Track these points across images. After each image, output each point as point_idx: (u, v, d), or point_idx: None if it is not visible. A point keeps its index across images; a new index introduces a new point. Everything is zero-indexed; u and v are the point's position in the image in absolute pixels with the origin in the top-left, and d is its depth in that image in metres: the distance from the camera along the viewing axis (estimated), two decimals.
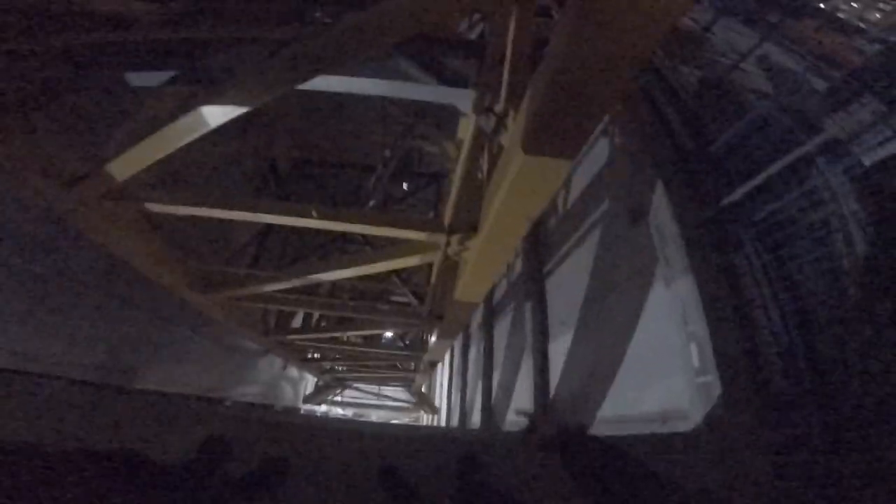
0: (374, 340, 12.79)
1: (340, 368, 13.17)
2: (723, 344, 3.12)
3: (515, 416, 7.30)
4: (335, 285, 8.39)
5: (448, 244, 3.54)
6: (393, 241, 4.05)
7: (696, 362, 3.23)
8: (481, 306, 10.80)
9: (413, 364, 12.07)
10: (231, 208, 3.47)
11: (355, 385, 18.90)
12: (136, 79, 3.07)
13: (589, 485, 2.13)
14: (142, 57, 3.02)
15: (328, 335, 9.06)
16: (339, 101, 6.45)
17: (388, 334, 12.97)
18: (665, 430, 3.64)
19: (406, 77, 3.26)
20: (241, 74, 2.66)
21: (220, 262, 6.30)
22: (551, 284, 7.22)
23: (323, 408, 20.58)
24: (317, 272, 4.68)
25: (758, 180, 3.25)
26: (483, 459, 2.89)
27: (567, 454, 2.46)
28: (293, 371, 14.47)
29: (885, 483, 2.40)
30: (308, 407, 17.32)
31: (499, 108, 2.75)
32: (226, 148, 6.65)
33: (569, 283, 6.39)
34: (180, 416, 3.15)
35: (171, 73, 3.04)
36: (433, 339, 7.22)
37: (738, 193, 3.39)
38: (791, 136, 3.23)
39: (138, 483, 1.86)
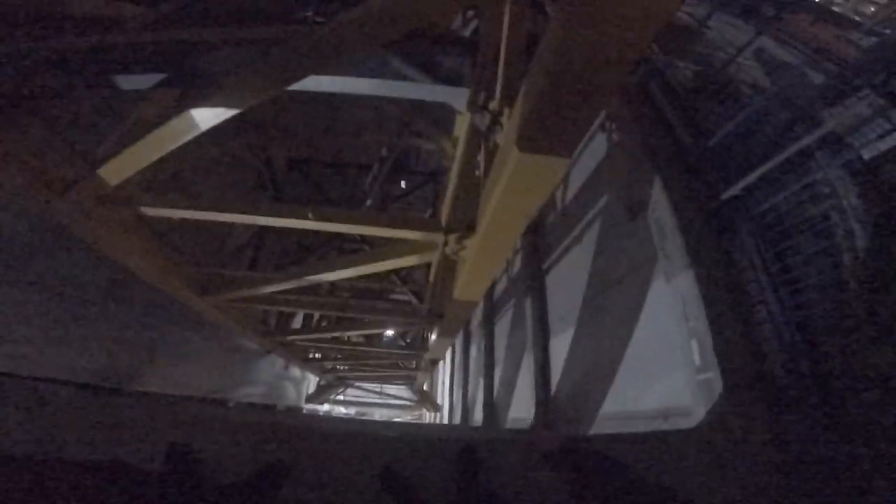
0: (376, 339, 12.78)
1: (342, 368, 13.15)
2: (724, 340, 3.10)
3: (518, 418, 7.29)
4: (334, 285, 8.36)
5: (446, 243, 3.52)
6: (391, 241, 4.03)
7: (697, 359, 3.21)
8: (482, 303, 10.78)
9: (414, 362, 12.05)
10: (226, 211, 3.45)
11: (357, 384, 18.90)
12: (126, 82, 3.03)
13: (589, 499, 2.12)
14: (131, 60, 2.98)
15: (329, 335, 9.04)
16: (335, 100, 6.41)
17: (389, 333, 12.95)
18: (667, 427, 3.62)
19: (400, 76, 3.22)
20: (232, 76, 2.63)
21: (218, 264, 6.28)
22: (551, 281, 7.20)
23: (326, 407, 20.60)
24: (315, 273, 4.66)
25: (757, 174, 3.22)
26: (483, 459, 2.86)
27: (568, 468, 2.45)
28: (295, 371, 14.43)
29: (887, 478, 2.38)
30: (311, 406, 17.30)
31: (493, 105, 2.71)
32: (222, 149, 6.61)
33: (569, 279, 6.37)
34: (175, 419, 3.11)
35: (161, 76, 3.00)
36: (433, 337, 7.20)
37: (738, 188, 3.37)
38: (790, 130, 3.21)
39: (126, 493, 1.85)
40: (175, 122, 2.73)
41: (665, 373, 3.78)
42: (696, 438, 3.04)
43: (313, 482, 2.75)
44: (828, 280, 2.85)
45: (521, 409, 7.26)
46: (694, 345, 3.25)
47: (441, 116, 5.76)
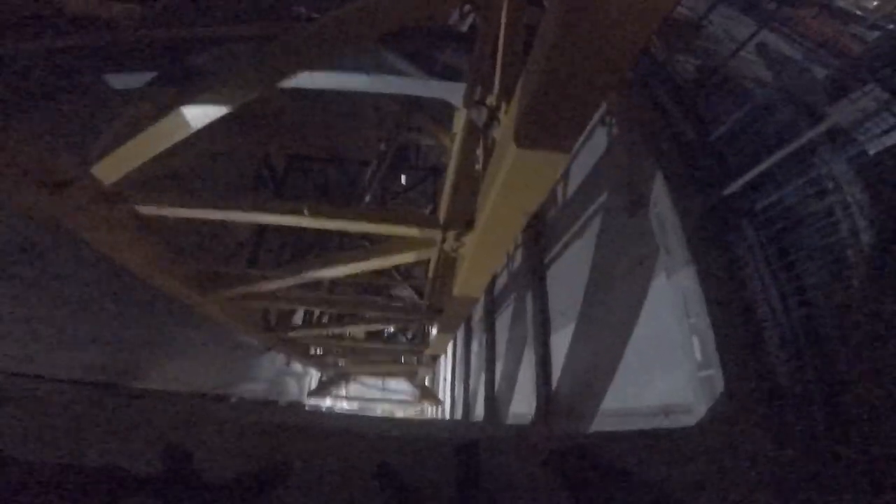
0: (377, 335, 12.76)
1: (343, 363, 13.15)
2: (725, 337, 3.07)
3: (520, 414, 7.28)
4: (335, 281, 8.34)
5: (444, 240, 3.49)
6: (390, 237, 4.01)
7: (698, 356, 3.18)
8: (483, 298, 10.77)
9: (415, 358, 12.06)
10: (223, 209, 3.43)
11: (359, 379, 18.90)
12: (119, 81, 3.01)
13: (587, 501, 2.10)
14: (123, 59, 2.96)
15: (330, 331, 9.03)
16: (332, 96, 6.37)
17: (391, 329, 12.93)
18: (668, 424, 3.61)
19: (396, 71, 3.19)
20: (224, 73, 2.60)
21: (218, 262, 6.27)
22: (552, 276, 7.18)
23: (328, 402, 20.61)
24: (314, 270, 4.64)
25: (759, 169, 3.18)
26: (482, 457, 2.85)
27: (567, 469, 2.44)
28: (297, 366, 14.46)
29: (887, 477, 2.35)
30: (313, 402, 17.32)
31: (491, 101, 2.68)
32: (221, 146, 6.59)
33: (570, 274, 6.35)
34: (172, 419, 3.10)
35: (153, 75, 2.98)
36: (434, 332, 7.19)
37: (740, 183, 3.33)
38: (793, 125, 3.17)
39: (121, 497, 1.83)
40: (168, 121, 2.71)
41: (666, 369, 3.75)
42: (695, 436, 3.02)
43: (311, 481, 2.73)
44: (831, 277, 2.81)
45: (522, 404, 7.25)
46: (695, 341, 3.22)
47: (440, 112, 5.72)
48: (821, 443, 2.62)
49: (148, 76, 3.01)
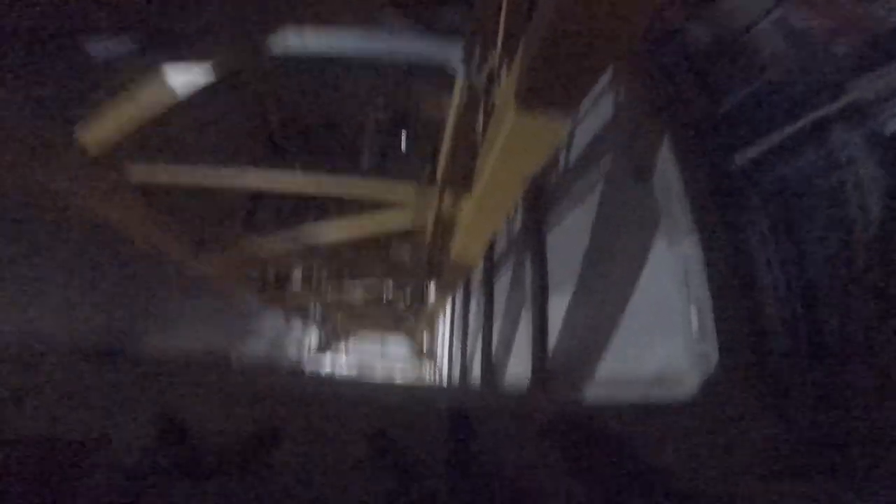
0: (376, 294, 12.81)
1: (342, 322, 13.23)
2: (724, 309, 3.03)
3: (516, 377, 7.31)
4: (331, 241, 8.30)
5: (441, 204, 3.45)
6: (387, 200, 3.95)
7: (695, 327, 3.15)
8: (482, 258, 10.74)
9: (413, 318, 12.12)
10: (214, 174, 3.38)
11: (358, 338, 19.09)
12: (101, 48, 2.93)
13: (586, 473, 2.10)
14: (106, 24, 2.87)
15: (328, 290, 9.04)
16: (329, 59, 6.23)
17: (389, 288, 12.97)
18: (661, 394, 3.60)
19: (393, 31, 3.08)
20: (210, 39, 2.52)
21: (214, 223, 6.22)
22: (552, 240, 7.11)
23: (328, 361, 20.86)
24: (310, 232, 4.60)
25: (772, 141, 3.11)
26: (476, 425, 2.84)
27: (563, 442, 2.43)
28: (297, 326, 14.55)
29: (881, 461, 2.35)
30: (313, 361, 17.50)
31: (492, 63, 2.59)
32: (217, 111, 6.48)
33: (570, 238, 6.29)
34: (166, 387, 3.09)
35: (137, 41, 2.89)
36: (432, 293, 7.20)
37: (751, 154, 3.25)
38: (808, 101, 3.08)
39: (115, 468, 1.83)
40: (153, 88, 2.65)
41: (662, 339, 3.73)
42: (687, 410, 3.02)
43: (303, 449, 2.73)
44: (837, 252, 2.77)
45: (519, 368, 7.28)
46: (693, 312, 3.19)
47: (440, 73, 5.60)
48: (812, 424, 2.61)
49: (131, 43, 2.92)
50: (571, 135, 6.53)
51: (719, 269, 3.16)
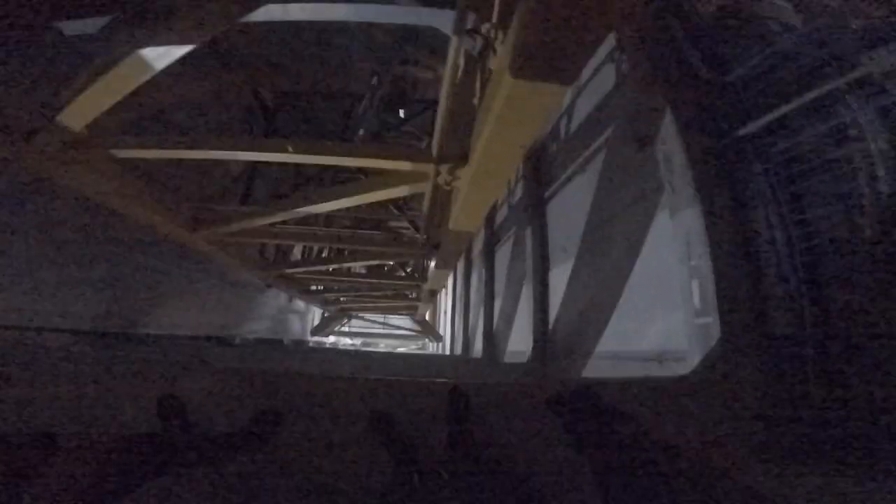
0: (377, 270, 12.78)
1: (344, 299, 13.21)
2: (726, 283, 2.97)
3: (518, 350, 7.30)
4: (331, 216, 8.24)
5: (437, 174, 3.37)
6: (383, 171, 3.88)
7: (697, 302, 3.09)
8: (482, 232, 10.72)
9: (414, 293, 12.10)
10: (202, 148, 3.31)
11: (361, 315, 19.10)
12: (73, 27, 2.86)
13: (590, 447, 2.06)
14: (77, 3, 2.79)
15: (328, 267, 9.00)
16: (322, 28, 6.09)
17: (390, 264, 12.94)
18: (661, 371, 3.57)
19: None
20: (182, 9, 2.43)
21: (211, 198, 6.16)
22: (553, 210, 7.05)
23: (331, 338, 20.94)
24: (306, 204, 4.53)
25: (781, 112, 3.02)
26: (475, 402, 2.81)
27: (569, 415, 2.40)
28: (299, 304, 14.56)
29: (879, 436, 2.31)
30: (316, 339, 17.56)
31: (486, 28, 2.49)
32: (208, 84, 6.38)
33: (571, 209, 6.22)
34: (167, 370, 3.08)
35: (109, 18, 2.81)
36: (432, 267, 7.15)
37: (759, 124, 3.16)
38: (819, 72, 2.99)
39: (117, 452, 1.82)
40: (128, 63, 2.57)
41: (663, 314, 3.69)
42: (687, 387, 2.98)
43: (303, 429, 2.72)
44: (843, 226, 2.70)
45: (520, 342, 7.28)
46: (695, 286, 3.12)
47: (436, 41, 5.47)
48: (811, 404, 2.57)
49: (103, 20, 2.84)
50: (573, 104, 6.42)
51: (722, 243, 3.09)
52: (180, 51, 2.52)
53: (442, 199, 4.35)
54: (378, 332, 22.58)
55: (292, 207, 4.61)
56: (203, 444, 2.45)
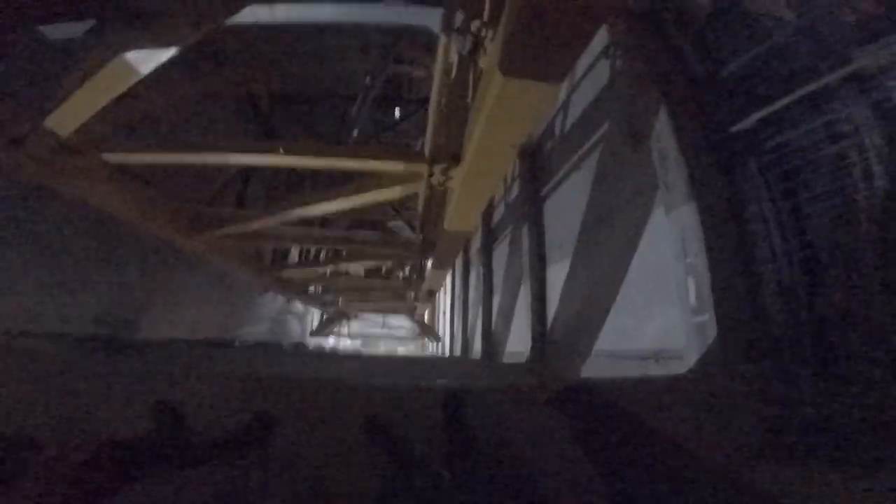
0: (374, 272, 12.76)
1: (343, 301, 13.21)
2: (722, 281, 2.95)
3: (517, 350, 7.28)
4: (327, 218, 8.23)
5: (431, 174, 3.35)
6: (377, 174, 3.87)
7: (693, 299, 3.07)
8: (480, 231, 10.69)
9: (413, 293, 12.09)
10: (192, 152, 3.30)
11: (360, 316, 19.12)
12: (57, 32, 2.84)
13: (593, 445, 2.04)
14: (60, 7, 2.77)
15: (326, 268, 8.98)
16: (315, 27, 6.06)
17: (388, 265, 12.94)
18: (658, 369, 3.55)
19: None
20: (165, 12, 2.41)
21: (205, 201, 6.12)
22: (549, 208, 7.04)
23: (330, 340, 20.93)
24: (301, 207, 4.51)
25: (775, 107, 3.00)
26: (472, 404, 2.80)
27: (571, 412, 2.38)
28: (298, 305, 14.56)
29: (878, 435, 2.29)
30: (315, 340, 17.55)
31: (476, 26, 2.47)
32: (201, 86, 6.35)
33: (567, 207, 6.21)
34: (163, 374, 3.07)
35: (92, 22, 2.79)
36: (429, 267, 7.14)
37: (753, 119, 3.15)
38: (813, 67, 2.98)
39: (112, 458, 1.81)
40: (114, 67, 2.55)
41: (660, 311, 3.67)
42: (684, 386, 2.96)
43: (298, 434, 2.70)
44: (838, 222, 2.69)
45: (519, 342, 7.26)
46: (691, 284, 3.11)
47: (431, 40, 5.45)
48: (808, 402, 2.55)
49: (86, 24, 2.82)
50: (568, 101, 6.41)
51: (717, 240, 3.07)
52: (167, 53, 2.51)
53: (437, 200, 4.34)
54: (377, 333, 22.59)
55: (289, 210, 4.60)
56: (195, 447, 2.43)
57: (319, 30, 6.02)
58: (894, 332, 2.31)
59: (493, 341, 9.31)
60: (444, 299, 18.33)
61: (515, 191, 8.79)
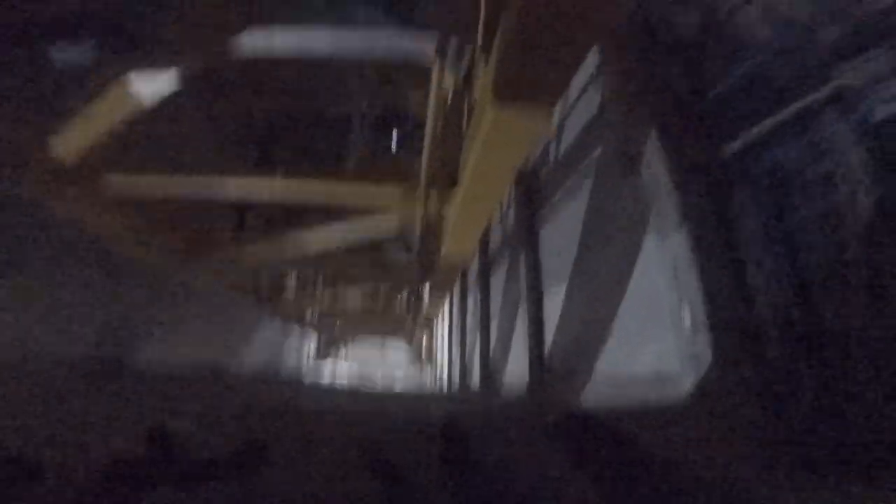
0: (372, 297, 12.74)
1: (340, 327, 13.17)
2: (716, 305, 2.96)
3: (515, 378, 7.25)
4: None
5: (427, 201, 3.38)
6: (374, 202, 3.89)
7: (688, 324, 3.08)
8: (477, 257, 10.68)
9: (411, 320, 12.05)
10: (193, 181, 3.32)
11: (357, 342, 19.04)
12: (64, 56, 2.87)
13: (594, 471, 2.04)
14: (69, 31, 2.81)
15: (323, 294, 8.97)
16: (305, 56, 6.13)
17: (386, 290, 12.92)
18: (657, 395, 3.55)
19: (367, 24, 3.00)
20: (170, 41, 2.46)
21: (204, 227, 6.14)
22: (546, 235, 7.05)
23: (327, 366, 20.79)
24: (298, 237, 4.53)
25: (758, 131, 3.05)
26: (472, 431, 2.78)
27: (571, 440, 2.38)
28: (295, 331, 14.49)
29: (879, 454, 2.28)
30: (313, 366, 17.45)
31: (470, 56, 2.52)
32: (201, 111, 6.40)
33: (563, 233, 6.22)
34: (157, 400, 3.05)
35: (99, 48, 2.83)
36: (427, 294, 7.14)
37: (737, 145, 3.19)
38: (795, 87, 3.03)
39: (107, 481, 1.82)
40: (116, 94, 2.58)
41: (656, 336, 3.67)
42: (684, 411, 2.96)
43: (294, 462, 2.68)
44: (828, 242, 2.70)
45: (517, 368, 7.22)
46: (685, 309, 3.12)
47: (427, 65, 5.52)
48: (809, 422, 2.55)
49: (93, 50, 2.86)
50: (561, 128, 6.47)
51: (710, 264, 3.09)
52: (170, 82, 2.54)
53: (434, 226, 4.36)
54: (375, 359, 22.45)
55: (286, 239, 4.61)
56: (186, 470, 2.42)
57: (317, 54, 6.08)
58: (892, 354, 2.31)
59: (491, 368, 9.25)
60: (443, 325, 18.27)
61: (512, 216, 8.82)
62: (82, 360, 5.34)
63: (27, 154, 2.90)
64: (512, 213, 8.63)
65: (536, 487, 2.50)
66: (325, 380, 15.59)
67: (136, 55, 2.61)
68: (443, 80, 3.00)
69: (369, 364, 22.91)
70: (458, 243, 3.75)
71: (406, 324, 12.92)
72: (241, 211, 7.22)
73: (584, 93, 5.66)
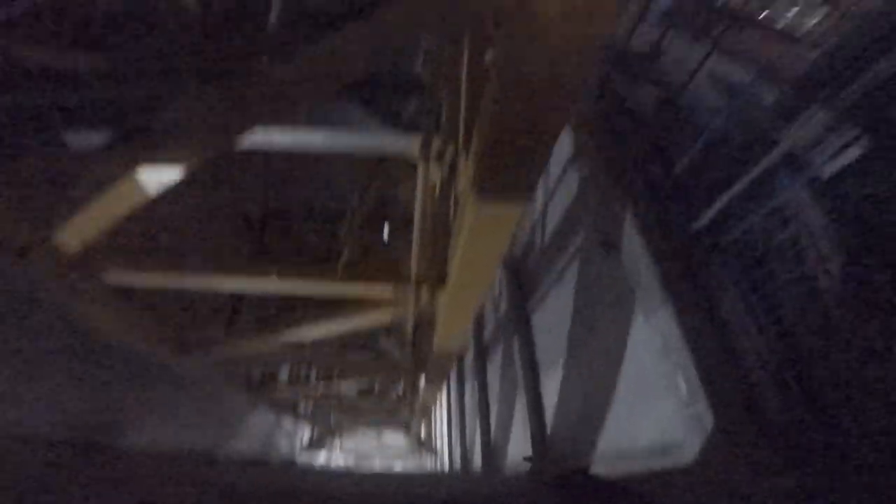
0: (366, 389, 12.55)
1: (334, 418, 12.88)
2: (710, 371, 3.00)
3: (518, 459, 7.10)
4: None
5: (418, 295, 3.42)
6: (365, 298, 3.93)
7: (684, 392, 3.10)
8: (473, 344, 10.64)
9: (407, 409, 11.84)
10: (190, 278, 3.37)
11: (353, 432, 18.57)
12: (78, 140, 2.96)
13: None
14: (84, 117, 2.91)
15: (317, 388, 8.84)
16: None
17: (380, 382, 12.74)
18: (663, 461, 3.49)
19: (357, 124, 3.14)
20: (179, 134, 2.56)
21: (198, 322, 6.13)
22: (537, 319, 7.11)
23: (321, 457, 20.15)
24: (291, 332, 4.54)
25: (721, 204, 3.17)
26: None
27: (570, 494, 2.34)
28: (288, 422, 14.14)
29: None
30: (306, 457, 16.91)
31: (451, 152, 2.64)
32: (198, 203, 6.53)
33: (554, 317, 6.28)
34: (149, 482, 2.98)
35: (112, 135, 2.92)
36: (422, 384, 7.06)
37: (704, 219, 3.31)
38: (749, 153, 3.16)
39: None
40: (126, 185, 2.66)
41: (654, 408, 3.68)
42: (691, 473, 2.91)
43: None
44: (808, 304, 2.75)
45: (519, 451, 7.07)
46: (680, 378, 3.14)
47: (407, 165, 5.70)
48: (814, 476, 2.52)
49: (106, 136, 2.94)
50: (545, 211, 6.63)
51: (698, 334, 3.14)
52: (177, 174, 2.60)
53: (426, 319, 4.38)
54: (371, 449, 21.79)
55: (278, 335, 4.62)
56: None
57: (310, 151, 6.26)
58: (888, 409, 2.31)
59: (492, 451, 9.06)
60: (441, 411, 17.89)
61: (503, 303, 8.87)
62: (71, 443, 5.22)
63: (31, 242, 2.91)
64: (504, 299, 8.69)
65: None
66: (316, 467, 15.09)
67: (144, 144, 2.68)
68: (429, 174, 3.11)
69: (366, 454, 22.25)
70: (449, 334, 3.77)
71: (403, 412, 12.66)
72: (234, 304, 7.23)
73: (564, 177, 5.84)
